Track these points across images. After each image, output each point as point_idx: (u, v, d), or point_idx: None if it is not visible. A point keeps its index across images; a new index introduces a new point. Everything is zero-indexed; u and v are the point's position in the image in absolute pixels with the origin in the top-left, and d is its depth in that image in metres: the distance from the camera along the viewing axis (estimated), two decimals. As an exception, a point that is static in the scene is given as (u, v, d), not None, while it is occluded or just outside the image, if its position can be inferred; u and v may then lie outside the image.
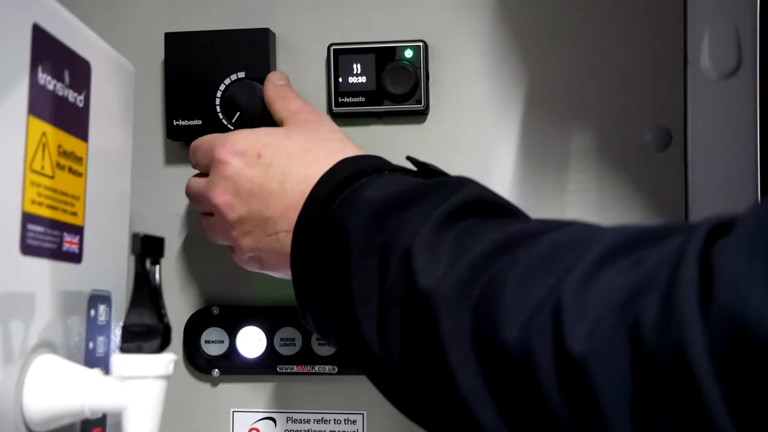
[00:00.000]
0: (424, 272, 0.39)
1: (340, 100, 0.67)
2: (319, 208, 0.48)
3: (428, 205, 0.42)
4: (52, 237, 0.46)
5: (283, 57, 0.69)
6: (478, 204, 0.43)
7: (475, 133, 0.68)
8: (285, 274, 0.55)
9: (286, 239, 0.51)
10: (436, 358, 0.37)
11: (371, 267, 0.43)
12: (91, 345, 0.51)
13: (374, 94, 0.66)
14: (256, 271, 0.58)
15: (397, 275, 0.41)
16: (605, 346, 0.30)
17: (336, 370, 0.67)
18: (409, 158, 0.51)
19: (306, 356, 0.67)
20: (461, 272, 0.38)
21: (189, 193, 0.60)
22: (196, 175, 0.61)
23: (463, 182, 0.45)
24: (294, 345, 0.67)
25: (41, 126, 0.45)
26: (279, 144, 0.54)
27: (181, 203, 0.70)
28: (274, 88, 0.63)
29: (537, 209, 0.67)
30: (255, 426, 0.69)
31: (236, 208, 0.54)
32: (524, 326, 0.33)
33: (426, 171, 0.50)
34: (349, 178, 0.48)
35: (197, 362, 0.68)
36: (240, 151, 0.54)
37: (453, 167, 0.68)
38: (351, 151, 0.53)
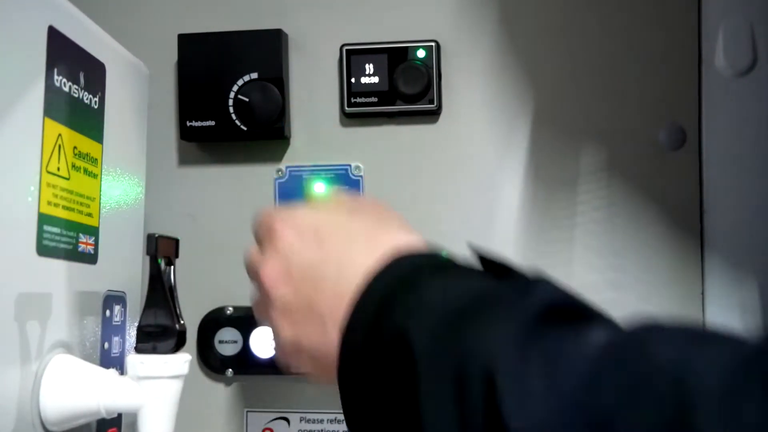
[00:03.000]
0: (514, 410, 0.34)
1: (352, 101, 0.67)
2: (374, 312, 0.41)
3: (505, 317, 0.37)
4: (68, 238, 0.47)
5: (295, 58, 0.69)
6: (557, 310, 0.38)
7: (488, 133, 0.67)
8: (331, 382, 0.47)
9: (332, 333, 0.44)
10: None
11: (445, 393, 0.37)
12: (106, 345, 0.52)
13: (387, 94, 0.66)
14: (299, 370, 0.50)
15: (480, 407, 0.35)
16: None
17: (349, 370, 0.67)
18: (471, 247, 0.45)
19: (319, 356, 0.67)
20: (560, 412, 0.33)
21: (245, 263, 0.53)
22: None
23: (536, 283, 0.39)
24: (307, 345, 0.67)
25: (57, 128, 0.45)
26: (340, 223, 0.49)
27: (194, 204, 0.70)
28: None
29: (549, 208, 0.66)
30: (268, 426, 0.69)
31: (282, 287, 0.48)
32: None
33: (491, 264, 0.44)
34: (409, 277, 0.42)
35: (211, 362, 0.69)
36: (297, 225, 0.49)
37: (465, 167, 0.68)
38: (408, 238, 0.47)
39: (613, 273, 0.66)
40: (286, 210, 0.51)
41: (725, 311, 0.64)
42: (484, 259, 0.44)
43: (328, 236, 0.48)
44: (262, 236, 0.52)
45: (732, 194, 0.64)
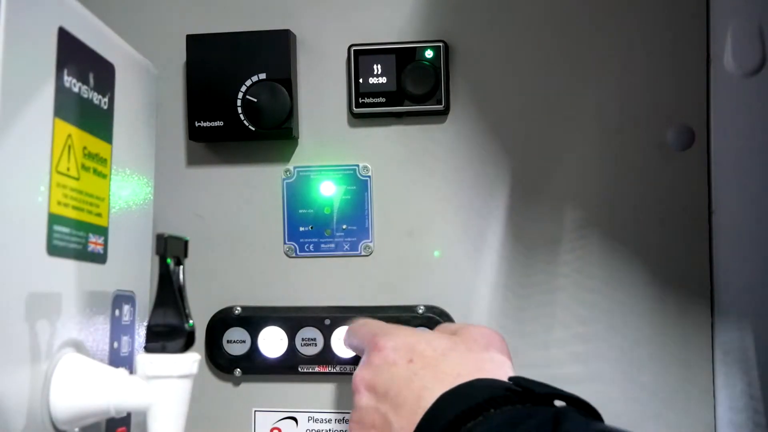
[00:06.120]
0: None
1: (360, 101, 0.67)
2: None
3: None
4: (77, 238, 0.47)
5: (303, 58, 0.69)
6: None
7: (496, 133, 0.67)
8: None
9: None
10: None
11: None
12: (115, 344, 0.52)
13: (395, 94, 0.67)
14: None
15: None
16: None
17: (357, 370, 0.67)
18: (511, 379, 0.46)
19: (327, 356, 0.67)
20: None
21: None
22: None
23: (565, 417, 0.39)
24: (315, 345, 0.68)
25: (67, 128, 0.46)
26: (434, 358, 0.50)
27: (203, 204, 0.70)
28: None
29: (556, 205, 0.66)
30: (276, 425, 0.69)
31: (365, 397, 0.50)
32: None
33: (531, 395, 0.44)
34: (452, 424, 0.42)
35: (219, 362, 0.69)
36: (395, 347, 0.51)
37: (473, 168, 0.68)
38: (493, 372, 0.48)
39: (615, 271, 0.66)
40: (391, 327, 0.53)
41: (732, 315, 0.64)
42: (524, 387, 0.44)
43: (419, 368, 0.49)
44: (367, 345, 0.53)
45: (741, 194, 0.64)
